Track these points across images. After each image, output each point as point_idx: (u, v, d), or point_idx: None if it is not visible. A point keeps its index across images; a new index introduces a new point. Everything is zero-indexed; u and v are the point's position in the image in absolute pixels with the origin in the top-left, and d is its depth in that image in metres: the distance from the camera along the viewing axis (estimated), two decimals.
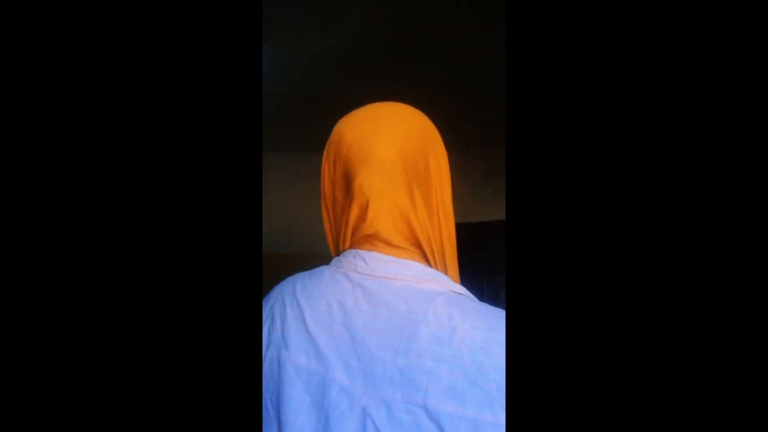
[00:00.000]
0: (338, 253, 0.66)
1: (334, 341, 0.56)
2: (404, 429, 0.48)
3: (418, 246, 0.62)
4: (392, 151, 0.61)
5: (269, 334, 0.60)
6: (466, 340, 0.50)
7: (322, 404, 0.52)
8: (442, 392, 0.48)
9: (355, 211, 0.61)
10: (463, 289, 0.60)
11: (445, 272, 0.63)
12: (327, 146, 0.67)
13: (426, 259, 0.62)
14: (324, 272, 0.63)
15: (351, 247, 0.63)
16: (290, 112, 2.56)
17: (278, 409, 0.55)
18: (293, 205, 3.14)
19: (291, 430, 0.53)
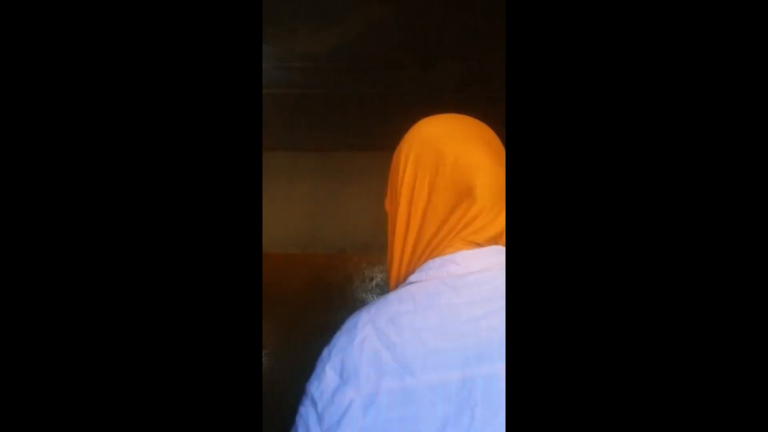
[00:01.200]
0: (408, 266, 0.67)
1: (459, 343, 0.56)
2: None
3: (495, 243, 0.65)
4: (497, 164, 0.66)
5: (374, 368, 0.55)
6: None
7: (470, 403, 0.53)
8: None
9: (469, 215, 0.64)
10: None
11: None
12: (417, 153, 0.67)
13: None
14: (411, 291, 0.62)
15: (432, 256, 0.64)
16: (290, 112, 2.55)
17: None
18: (293, 205, 3.14)
19: None
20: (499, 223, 0.64)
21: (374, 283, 2.22)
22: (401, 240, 0.68)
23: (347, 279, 2.24)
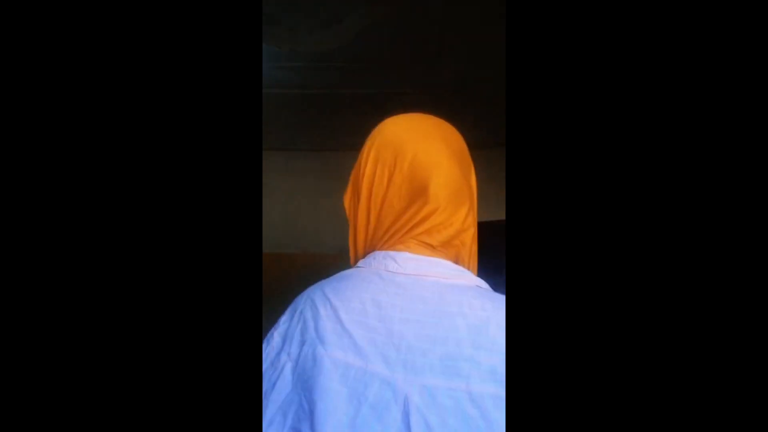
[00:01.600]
0: (363, 254, 0.69)
1: (371, 335, 0.57)
2: (448, 414, 0.51)
3: (452, 249, 0.66)
4: (455, 161, 0.66)
5: (302, 335, 0.60)
6: (501, 328, 0.54)
7: (363, 396, 0.54)
8: (483, 376, 0.51)
9: (421, 214, 0.64)
10: (485, 284, 0.64)
11: (470, 270, 0.67)
12: (378, 148, 0.69)
13: (452, 259, 0.66)
14: (353, 274, 0.65)
15: (380, 249, 0.66)
16: (290, 112, 2.56)
17: (313, 403, 0.55)
18: (293, 205, 3.14)
19: (327, 420, 0.53)
20: (451, 225, 0.65)
21: None
22: (362, 231, 0.70)
23: None
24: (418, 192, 0.65)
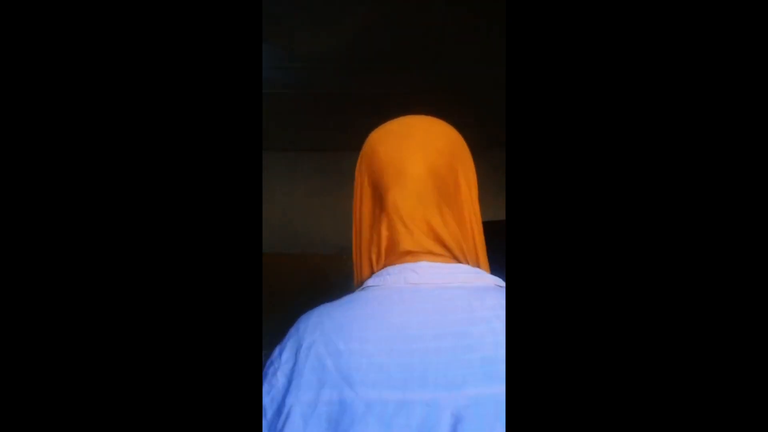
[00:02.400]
0: (368, 275, 0.63)
1: (405, 360, 0.53)
2: (494, 420, 0.49)
3: (452, 254, 0.62)
4: (424, 167, 0.61)
5: (317, 376, 0.53)
6: None
7: (407, 428, 0.50)
8: None
9: (385, 228, 0.61)
10: (501, 281, 0.61)
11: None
12: (359, 159, 0.67)
13: (464, 261, 0.63)
14: (369, 297, 0.59)
15: (389, 264, 0.61)
16: (290, 112, 2.55)
17: None
18: (293, 205, 3.14)
19: None
20: (413, 240, 0.60)
21: None
22: (355, 247, 0.66)
23: (347, 279, 2.24)
24: (382, 202, 0.62)
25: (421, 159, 0.62)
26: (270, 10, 1.63)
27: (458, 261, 0.62)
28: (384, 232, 0.61)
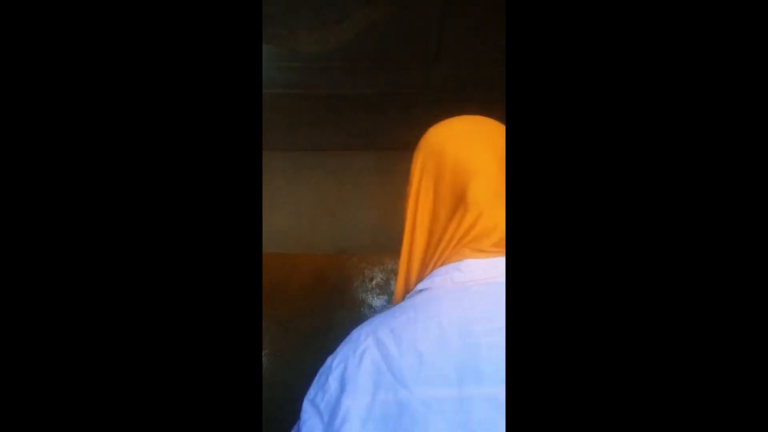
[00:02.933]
0: (417, 277, 0.65)
1: (457, 358, 0.54)
2: None
3: (501, 245, 0.63)
4: (497, 164, 0.64)
5: (372, 379, 0.54)
6: None
7: (468, 424, 0.50)
8: None
9: (468, 221, 0.62)
10: None
11: None
12: (423, 158, 0.67)
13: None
14: (417, 301, 0.61)
15: (438, 266, 0.63)
16: (290, 112, 2.55)
17: None
18: (293, 205, 3.14)
19: None
20: (498, 229, 0.62)
21: (374, 283, 2.22)
22: (407, 249, 0.67)
23: (347, 279, 2.24)
24: (460, 199, 0.63)
25: (493, 155, 0.64)
26: (270, 11, 1.63)
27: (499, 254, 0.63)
28: (464, 227, 0.63)
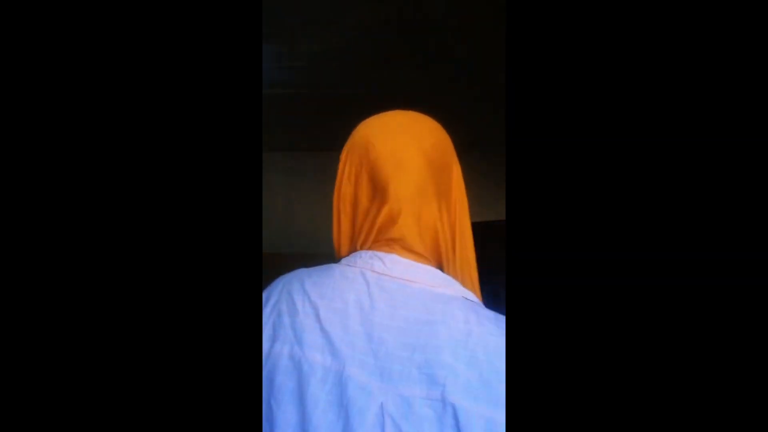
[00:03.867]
0: (347, 253, 0.67)
1: (350, 338, 0.56)
2: (423, 423, 0.50)
3: (435, 254, 0.64)
4: (424, 160, 0.63)
5: (274, 330, 0.59)
6: (482, 343, 0.53)
7: (340, 401, 0.53)
8: (459, 388, 0.50)
9: (384, 215, 0.62)
10: (473, 296, 0.62)
11: (462, 281, 0.65)
12: (349, 149, 0.68)
13: (440, 268, 0.64)
14: (335, 270, 0.64)
15: (368, 248, 0.64)
16: (290, 112, 2.56)
17: (284, 405, 0.54)
18: (293, 205, 3.14)
19: (308, 427, 0.53)
20: (427, 227, 0.63)
21: None
22: (340, 229, 0.69)
23: None
24: (380, 191, 0.63)
25: (420, 151, 0.64)
26: (270, 11, 1.63)
27: (431, 263, 0.63)
28: (379, 220, 0.63)
